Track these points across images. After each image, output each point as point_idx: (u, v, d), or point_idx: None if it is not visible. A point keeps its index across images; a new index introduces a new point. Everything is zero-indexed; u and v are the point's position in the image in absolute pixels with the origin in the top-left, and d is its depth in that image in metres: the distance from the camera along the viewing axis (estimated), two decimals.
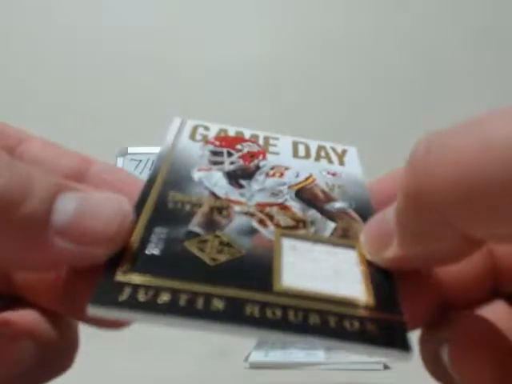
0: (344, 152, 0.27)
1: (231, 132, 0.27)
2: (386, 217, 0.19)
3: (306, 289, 0.17)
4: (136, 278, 0.16)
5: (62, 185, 0.17)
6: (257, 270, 0.17)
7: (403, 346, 0.15)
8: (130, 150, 0.52)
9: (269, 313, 0.16)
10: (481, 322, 0.18)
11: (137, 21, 0.75)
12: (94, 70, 0.69)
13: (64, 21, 0.74)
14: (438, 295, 0.19)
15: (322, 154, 0.26)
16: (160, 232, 0.18)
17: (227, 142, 0.26)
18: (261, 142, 0.26)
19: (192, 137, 0.26)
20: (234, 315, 0.15)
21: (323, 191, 0.23)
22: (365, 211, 0.22)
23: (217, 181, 0.22)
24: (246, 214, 0.20)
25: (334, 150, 0.27)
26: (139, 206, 0.19)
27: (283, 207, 0.21)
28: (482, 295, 0.20)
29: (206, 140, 0.25)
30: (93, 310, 0.15)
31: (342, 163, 0.26)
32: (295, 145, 0.27)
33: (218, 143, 0.25)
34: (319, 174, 0.24)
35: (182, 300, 0.16)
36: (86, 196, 0.17)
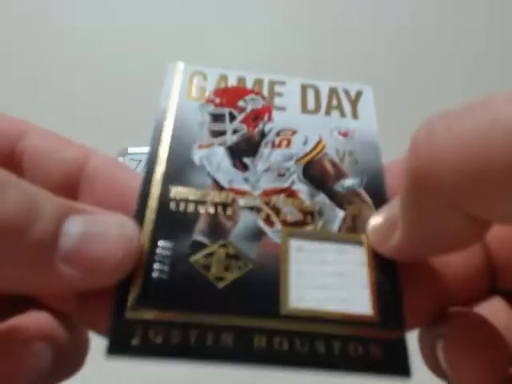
0: (358, 95, 0.24)
1: (232, 79, 0.24)
2: (392, 204, 0.19)
3: (312, 308, 0.17)
4: (146, 314, 0.17)
5: (68, 207, 0.16)
6: (264, 288, 0.18)
7: (404, 371, 0.16)
8: (130, 149, 0.51)
9: (276, 342, 0.17)
10: (476, 319, 0.19)
11: (137, 21, 0.69)
12: (94, 70, 0.65)
13: (63, 20, 0.69)
14: (440, 294, 0.19)
15: (334, 102, 0.24)
16: (164, 246, 0.18)
17: (228, 98, 0.23)
18: (265, 90, 0.24)
19: (189, 93, 0.23)
20: (242, 351, 0.16)
21: (333, 163, 0.22)
22: (376, 186, 0.21)
23: (219, 161, 0.21)
24: (252, 208, 0.20)
25: (347, 93, 0.24)
26: (141, 209, 0.19)
27: (290, 193, 0.20)
28: (479, 292, 0.20)
29: (204, 97, 0.23)
30: (110, 357, 0.16)
31: (355, 115, 0.24)
32: (304, 90, 0.24)
33: (218, 100, 0.23)
34: (329, 135, 0.23)
35: (193, 337, 0.16)
36: (92, 219, 0.17)
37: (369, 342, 0.17)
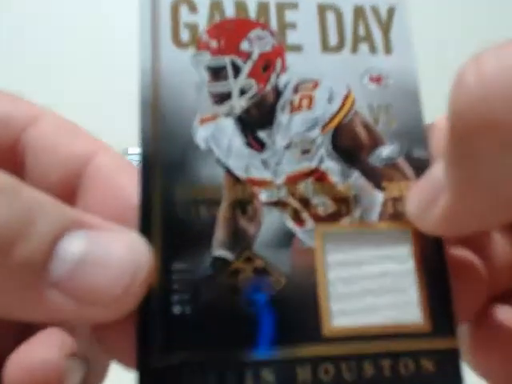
0: (391, 15, 0.19)
1: (228, 6, 0.18)
2: (433, 168, 0.16)
3: (356, 324, 0.16)
4: (175, 359, 0.14)
5: (69, 220, 0.14)
6: (302, 307, 0.15)
7: (456, 382, 0.16)
8: (130, 150, 0.50)
9: (321, 372, 0.15)
10: (503, 317, 0.17)
11: (135, 21, 0.54)
12: (94, 70, 0.64)
13: (62, 21, 0.66)
14: (485, 289, 0.17)
15: (361, 30, 0.19)
16: (180, 268, 0.15)
17: (228, 39, 0.18)
18: (273, 20, 0.18)
19: (175, 35, 0.17)
20: None
21: (366, 126, 0.18)
22: (419, 152, 0.18)
23: (229, 141, 0.17)
24: (276, 204, 0.16)
25: (376, 13, 0.19)
26: (144, 222, 0.15)
27: (319, 176, 0.17)
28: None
29: (196, 40, 0.17)
30: None
31: (388, 47, 0.19)
32: (322, 15, 0.19)
33: (214, 44, 0.17)
34: (359, 82, 0.18)
35: (230, 379, 0.15)
36: (95, 237, 0.14)
37: (420, 356, 0.16)
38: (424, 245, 0.17)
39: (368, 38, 0.19)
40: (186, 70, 0.17)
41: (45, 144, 0.16)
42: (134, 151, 0.50)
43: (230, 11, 0.18)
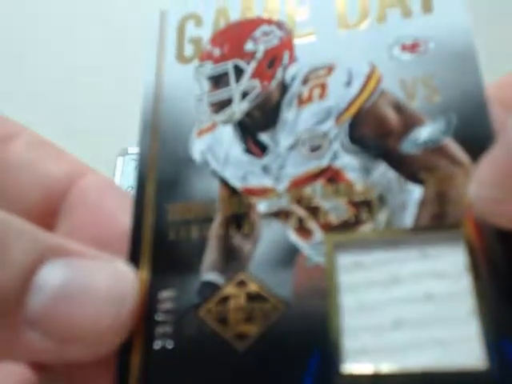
0: None
1: (234, 9, 0.17)
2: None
3: (382, 368, 0.11)
4: None
5: (48, 248, 0.12)
6: (305, 343, 0.12)
7: None
8: (130, 150, 0.49)
9: None
10: None
11: (136, 19, 0.65)
12: (94, 69, 0.64)
13: (62, 21, 0.68)
14: None
15: None
16: (167, 298, 0.13)
17: (232, 43, 0.16)
18: (282, 7, 0.16)
19: (180, 52, 0.17)
20: None
21: (397, 106, 0.14)
22: (475, 128, 0.13)
23: (227, 150, 0.15)
24: (277, 214, 0.13)
25: None
26: (134, 248, 0.14)
27: (332, 176, 0.13)
28: None
29: (200, 53, 0.16)
30: None
31: (427, 6, 0.14)
32: None
33: (217, 52, 0.16)
34: (387, 56, 0.14)
35: None
36: (77, 266, 0.12)
37: None
38: (486, 252, 0.11)
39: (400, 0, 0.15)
40: (188, 85, 0.16)
41: (21, 163, 0.15)
42: (134, 151, 0.47)
43: (235, 14, 0.17)
